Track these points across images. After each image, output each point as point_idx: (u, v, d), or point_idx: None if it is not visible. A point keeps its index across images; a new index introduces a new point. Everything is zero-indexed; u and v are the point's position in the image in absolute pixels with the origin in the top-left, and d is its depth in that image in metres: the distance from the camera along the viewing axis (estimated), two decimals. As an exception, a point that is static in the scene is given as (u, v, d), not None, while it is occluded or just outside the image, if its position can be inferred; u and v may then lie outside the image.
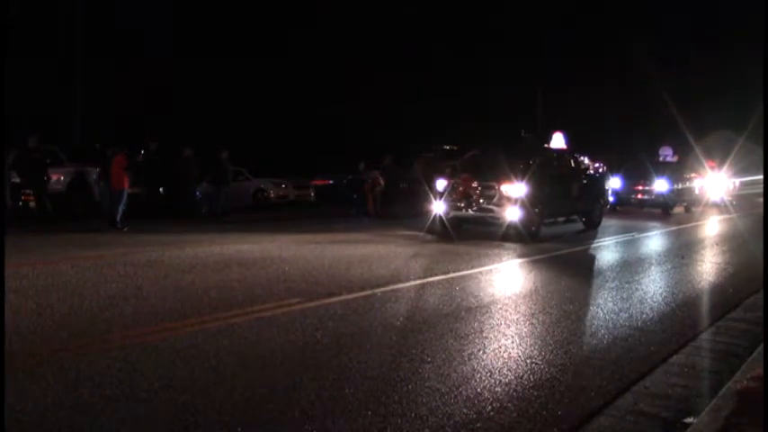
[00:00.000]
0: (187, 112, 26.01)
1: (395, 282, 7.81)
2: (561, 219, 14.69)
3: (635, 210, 22.29)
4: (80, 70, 22.37)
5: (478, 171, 13.37)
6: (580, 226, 15.42)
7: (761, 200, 27.10)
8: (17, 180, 14.26)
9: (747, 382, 4.19)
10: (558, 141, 16.05)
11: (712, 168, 25.19)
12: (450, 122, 28.42)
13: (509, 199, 12.57)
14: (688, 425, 3.82)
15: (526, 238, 12.38)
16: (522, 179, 12.70)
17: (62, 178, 15.56)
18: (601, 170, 17.29)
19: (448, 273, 8.62)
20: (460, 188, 13.08)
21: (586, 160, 16.71)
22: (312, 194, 23.56)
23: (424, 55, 32.67)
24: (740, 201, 27.20)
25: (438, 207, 13.32)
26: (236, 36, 28.67)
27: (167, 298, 6.52)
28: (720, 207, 24.65)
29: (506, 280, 8.79)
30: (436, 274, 8.46)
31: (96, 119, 22.01)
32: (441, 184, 13.54)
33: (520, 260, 10.29)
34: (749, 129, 25.96)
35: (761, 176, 24.27)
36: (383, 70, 31.50)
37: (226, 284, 7.31)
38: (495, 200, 12.71)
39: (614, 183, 22.08)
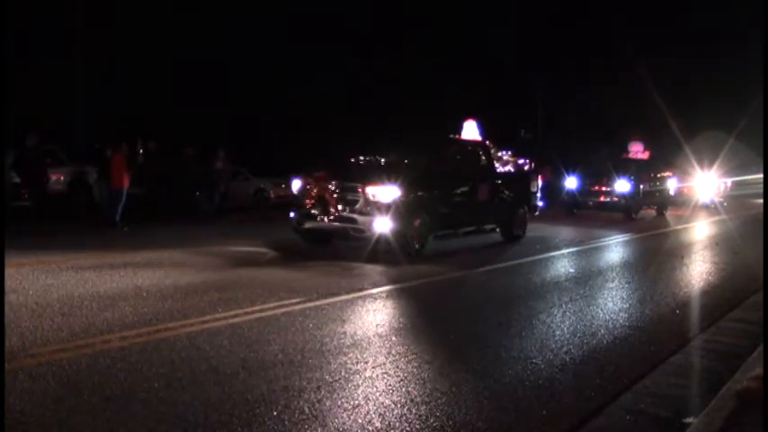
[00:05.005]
0: (187, 111, 25.99)
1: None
2: (463, 230, 11.36)
3: (595, 214, 19.30)
4: (80, 70, 22.36)
5: (341, 169, 10.71)
6: (498, 238, 12.38)
7: (755, 201, 26.06)
8: (17, 180, 14.26)
9: (747, 382, 4.19)
10: (470, 131, 13.11)
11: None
12: (451, 123, 28.40)
13: (377, 206, 9.58)
14: (688, 425, 3.82)
15: (400, 257, 9.46)
16: (397, 180, 9.71)
17: (62, 178, 15.59)
18: (526, 167, 14.58)
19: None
20: (314, 191, 10.17)
21: (506, 155, 13.90)
22: None
23: (424, 53, 32.65)
24: (732, 202, 25.57)
25: (292, 215, 10.49)
26: (235, 35, 28.67)
27: (167, 298, 6.51)
28: (710, 209, 22.98)
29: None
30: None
31: (96, 119, 21.99)
32: (295, 185, 10.59)
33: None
34: (739, 127, 25.57)
35: (755, 176, 22.94)
36: (384, 72, 31.53)
37: (226, 284, 7.31)
38: (358, 206, 9.73)
39: (570, 182, 19.74)
